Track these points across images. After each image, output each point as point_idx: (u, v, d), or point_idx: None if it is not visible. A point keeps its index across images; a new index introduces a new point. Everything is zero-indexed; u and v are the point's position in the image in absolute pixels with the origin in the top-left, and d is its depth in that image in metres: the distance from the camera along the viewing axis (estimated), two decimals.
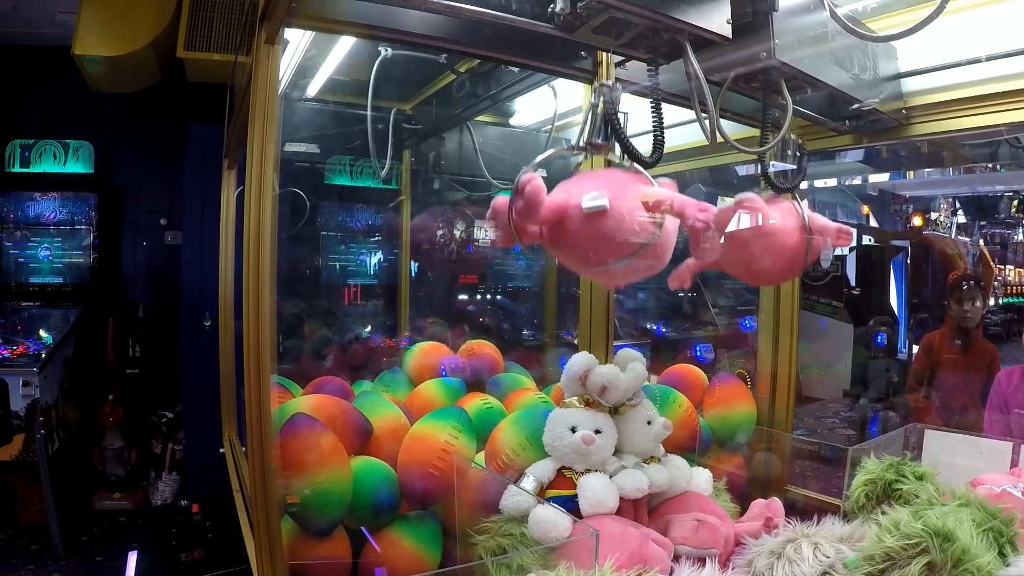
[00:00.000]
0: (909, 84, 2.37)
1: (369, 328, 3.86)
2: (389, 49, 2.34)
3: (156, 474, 5.35)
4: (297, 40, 2.23)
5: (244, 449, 2.86)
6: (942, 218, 9.28)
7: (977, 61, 2.16)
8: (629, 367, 1.90)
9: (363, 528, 1.96)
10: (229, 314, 3.34)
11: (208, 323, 4.25)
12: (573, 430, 1.81)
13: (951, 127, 2.30)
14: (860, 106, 2.21)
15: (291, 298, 3.62)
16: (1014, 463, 2.08)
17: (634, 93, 2.13)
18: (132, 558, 1.78)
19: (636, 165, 1.63)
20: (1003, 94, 2.11)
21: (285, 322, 3.49)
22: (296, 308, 3.64)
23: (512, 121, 3.43)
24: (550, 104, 2.41)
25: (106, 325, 5.47)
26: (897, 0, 2.23)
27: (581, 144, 1.69)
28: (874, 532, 1.44)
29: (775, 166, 2.59)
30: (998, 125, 2.17)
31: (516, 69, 2.25)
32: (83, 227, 5.37)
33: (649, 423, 1.92)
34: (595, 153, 1.69)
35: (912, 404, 4.33)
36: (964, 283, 4.28)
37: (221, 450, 3.31)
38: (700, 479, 2.06)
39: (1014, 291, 9.63)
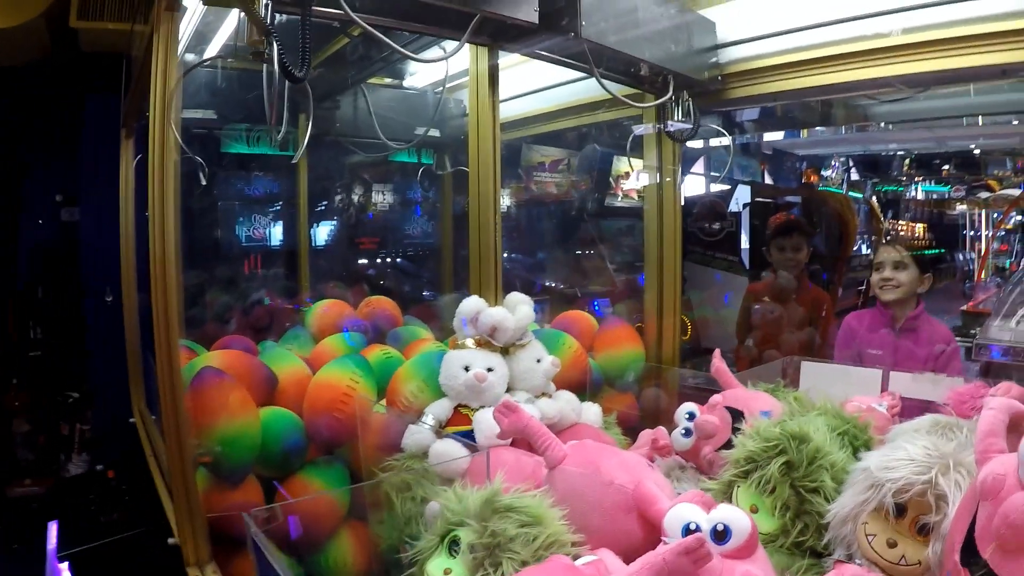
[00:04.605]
0: (729, 54, 2.66)
1: (271, 293, 3.87)
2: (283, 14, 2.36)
3: (66, 456, 5.25)
4: (194, 6, 2.25)
5: (154, 418, 2.89)
6: (834, 175, 9.65)
7: (787, 32, 2.47)
8: (517, 309, 2.03)
9: (275, 482, 2.02)
10: (132, 286, 3.33)
11: (110, 299, 4.20)
12: (467, 369, 1.93)
13: (765, 91, 2.62)
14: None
15: (192, 267, 3.60)
16: (884, 388, 2.30)
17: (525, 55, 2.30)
18: (53, 528, 1.81)
19: None
20: (809, 61, 2.45)
21: (188, 292, 3.49)
22: (198, 279, 3.63)
23: (405, 83, 3.50)
24: (441, 67, 2.49)
25: (5, 308, 5.31)
26: None
27: None
28: (738, 439, 1.61)
29: (672, 125, 2.79)
30: (807, 88, 2.50)
31: (407, 32, 2.33)
32: None
33: (539, 361, 2.06)
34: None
35: (736, 354, 3.98)
36: (785, 230, 3.92)
37: (131, 419, 3.32)
38: (590, 412, 2.19)
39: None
